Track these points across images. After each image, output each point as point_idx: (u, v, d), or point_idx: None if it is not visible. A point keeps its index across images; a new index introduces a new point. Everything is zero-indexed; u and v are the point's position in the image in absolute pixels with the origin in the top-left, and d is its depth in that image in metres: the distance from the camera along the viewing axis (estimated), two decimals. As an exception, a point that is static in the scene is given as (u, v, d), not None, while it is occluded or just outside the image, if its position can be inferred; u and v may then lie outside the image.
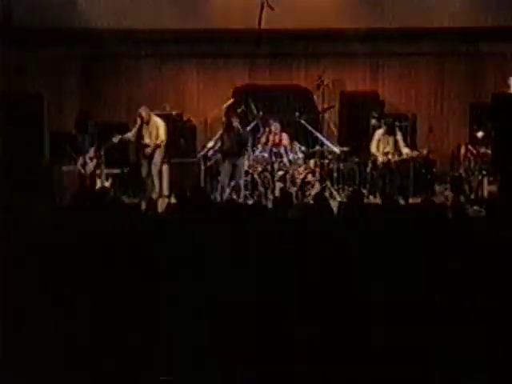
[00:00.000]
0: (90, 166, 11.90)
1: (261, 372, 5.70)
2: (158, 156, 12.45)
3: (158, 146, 12.40)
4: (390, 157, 12.31)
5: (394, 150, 12.35)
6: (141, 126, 12.38)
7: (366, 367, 5.69)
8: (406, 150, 12.38)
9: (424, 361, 5.72)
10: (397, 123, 12.52)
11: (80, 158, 11.87)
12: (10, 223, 7.01)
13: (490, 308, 5.92)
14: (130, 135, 12.45)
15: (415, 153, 12.52)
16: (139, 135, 12.37)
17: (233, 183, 12.15)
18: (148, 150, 12.36)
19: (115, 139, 12.29)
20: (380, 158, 12.38)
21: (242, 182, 12.13)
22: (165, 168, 12.71)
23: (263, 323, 5.88)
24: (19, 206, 8.39)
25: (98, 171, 12.06)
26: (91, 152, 11.93)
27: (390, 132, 12.35)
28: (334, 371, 5.69)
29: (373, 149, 12.49)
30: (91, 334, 5.96)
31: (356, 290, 6.08)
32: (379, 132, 12.48)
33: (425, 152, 12.69)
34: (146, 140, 12.39)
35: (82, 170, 11.88)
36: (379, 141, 12.43)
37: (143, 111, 12.46)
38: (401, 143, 12.41)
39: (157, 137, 12.40)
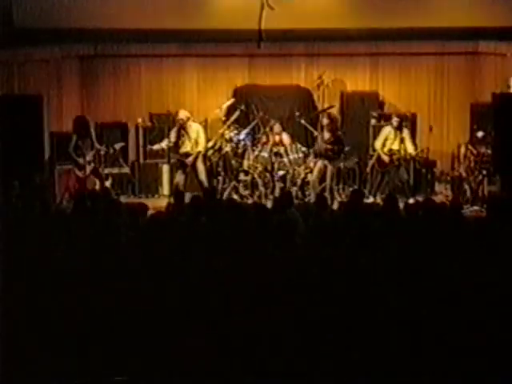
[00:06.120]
0: (89, 167, 11.88)
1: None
2: (200, 164, 12.15)
3: (199, 154, 12.13)
4: (395, 155, 12.36)
5: (399, 147, 12.39)
6: (179, 133, 12.08)
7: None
8: (411, 148, 12.42)
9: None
10: (396, 119, 12.53)
11: (79, 160, 11.86)
12: (10, 223, 7.01)
13: (489, 308, 5.93)
14: (163, 144, 12.18)
15: (419, 150, 12.55)
16: (177, 143, 12.05)
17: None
18: (190, 159, 12.07)
19: (117, 146, 12.28)
20: (385, 156, 12.42)
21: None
22: (165, 168, 12.70)
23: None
24: (19, 206, 8.40)
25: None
26: (90, 155, 11.91)
27: (398, 129, 12.40)
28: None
29: (377, 145, 12.52)
30: (90, 333, 5.97)
31: (355, 289, 6.09)
32: (387, 129, 12.52)
33: (425, 151, 12.70)
34: (186, 148, 12.11)
35: (82, 172, 11.87)
36: (386, 138, 12.46)
37: (183, 115, 12.12)
38: (407, 141, 12.44)
39: (196, 145, 12.13)
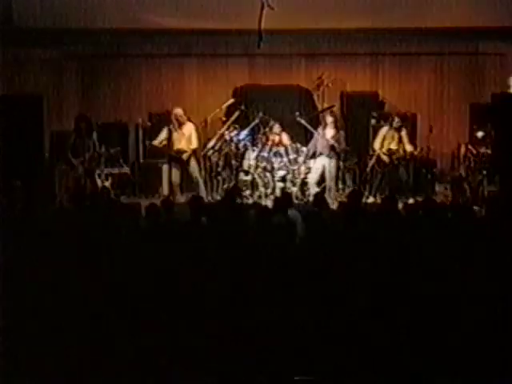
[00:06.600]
0: (82, 167, 11.87)
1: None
2: (193, 162, 12.27)
3: (193, 152, 12.25)
4: (394, 155, 12.39)
5: (398, 146, 12.41)
6: (171, 131, 12.15)
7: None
8: (409, 148, 12.45)
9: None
10: (398, 121, 12.55)
11: (72, 160, 11.85)
12: (10, 223, 7.01)
13: (488, 305, 5.93)
14: (157, 142, 12.28)
15: (418, 150, 12.58)
16: (171, 140, 12.15)
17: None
18: (184, 156, 12.18)
19: (112, 150, 12.29)
20: (384, 156, 12.44)
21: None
22: (165, 168, 12.69)
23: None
24: (19, 206, 8.40)
25: (98, 171, 12.07)
26: (86, 156, 11.90)
27: (396, 129, 12.43)
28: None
29: (376, 146, 12.54)
30: (90, 334, 5.97)
31: (355, 289, 6.09)
32: (384, 129, 12.54)
33: (424, 150, 12.71)
34: (180, 145, 12.20)
35: (73, 172, 11.87)
36: (384, 138, 12.48)
37: (179, 113, 12.25)
38: (405, 140, 12.47)
39: (190, 142, 12.25)
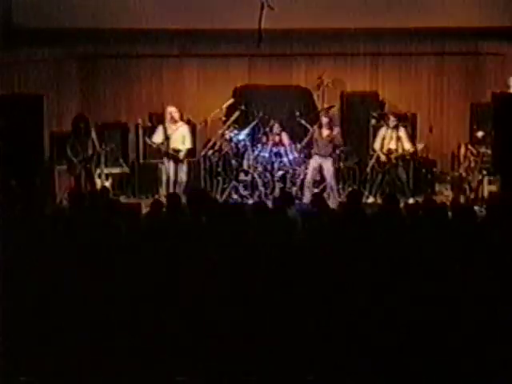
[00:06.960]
0: (80, 166, 11.87)
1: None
2: (185, 165, 12.41)
3: (188, 152, 12.39)
4: (393, 154, 12.40)
5: (397, 146, 12.43)
6: (165, 129, 12.27)
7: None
8: (408, 147, 12.46)
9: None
10: (393, 120, 12.57)
11: (78, 160, 11.85)
12: (10, 223, 7.01)
13: (489, 306, 5.93)
14: (156, 141, 12.37)
15: (418, 146, 12.60)
16: (167, 138, 12.24)
17: None
18: (181, 155, 12.28)
19: (107, 148, 12.29)
20: (382, 156, 12.46)
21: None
22: (164, 168, 12.70)
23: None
24: (19, 206, 8.40)
25: (98, 171, 12.07)
26: (89, 154, 11.90)
27: (394, 128, 12.45)
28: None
29: (376, 146, 12.56)
30: (91, 334, 5.98)
31: (354, 289, 6.09)
32: (383, 129, 12.57)
33: (421, 147, 12.72)
34: (176, 144, 12.30)
35: (71, 171, 11.87)
36: (384, 138, 12.50)
37: (173, 110, 12.43)
38: (404, 139, 12.48)
39: (184, 142, 12.36)
